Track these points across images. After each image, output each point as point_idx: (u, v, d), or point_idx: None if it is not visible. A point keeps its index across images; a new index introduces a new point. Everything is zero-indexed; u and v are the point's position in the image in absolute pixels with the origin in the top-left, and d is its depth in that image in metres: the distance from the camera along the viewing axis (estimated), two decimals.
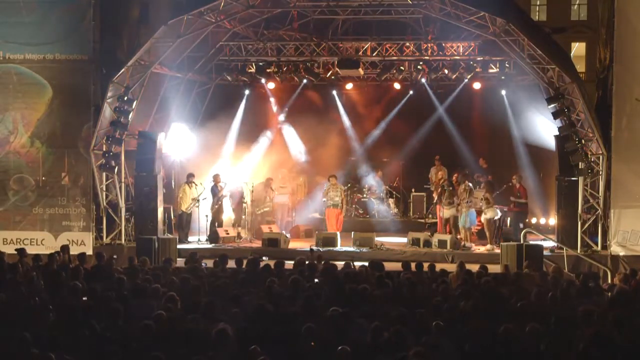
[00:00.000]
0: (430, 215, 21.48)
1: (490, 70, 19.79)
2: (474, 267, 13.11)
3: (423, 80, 20.67)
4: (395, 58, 19.59)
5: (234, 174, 20.47)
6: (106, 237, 18.22)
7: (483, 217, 18.40)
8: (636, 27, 17.07)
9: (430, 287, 11.70)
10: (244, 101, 22.08)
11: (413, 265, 13.56)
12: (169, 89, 20.01)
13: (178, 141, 20.33)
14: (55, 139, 18.03)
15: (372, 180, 22.59)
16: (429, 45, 19.35)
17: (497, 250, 17.44)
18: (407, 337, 8.36)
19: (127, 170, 18.56)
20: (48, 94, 17.97)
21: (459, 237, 18.48)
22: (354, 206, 21.90)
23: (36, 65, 17.92)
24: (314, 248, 16.65)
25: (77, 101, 17.99)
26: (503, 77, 19.97)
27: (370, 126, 23.09)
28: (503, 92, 21.20)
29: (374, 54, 19.61)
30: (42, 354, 7.36)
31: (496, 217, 18.48)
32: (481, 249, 18.21)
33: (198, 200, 19.41)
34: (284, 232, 19.40)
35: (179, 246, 17.66)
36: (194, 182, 19.43)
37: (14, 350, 7.57)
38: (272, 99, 22.44)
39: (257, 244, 18.85)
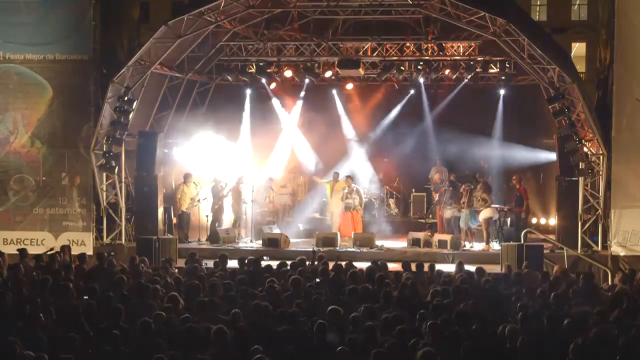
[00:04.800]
0: (430, 215, 21.48)
1: (490, 70, 19.77)
2: (474, 268, 13.11)
3: (421, 80, 20.64)
4: (395, 58, 19.57)
5: (235, 173, 20.40)
6: (106, 237, 18.23)
7: (481, 217, 18.40)
8: (636, 27, 17.06)
9: (430, 287, 11.71)
10: (247, 101, 21.99)
11: (413, 265, 13.56)
12: (169, 89, 20.01)
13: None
14: (55, 139, 18.02)
15: (372, 181, 22.58)
16: (429, 45, 19.33)
17: (495, 251, 17.49)
18: (407, 338, 8.37)
19: (127, 170, 18.57)
20: (48, 94, 17.97)
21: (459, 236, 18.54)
22: None
23: (36, 65, 17.91)
24: (316, 249, 16.59)
25: (78, 101, 17.99)
26: (503, 77, 19.95)
27: (370, 126, 23.06)
28: (503, 92, 21.17)
29: (374, 54, 19.60)
30: (38, 356, 7.35)
31: (494, 218, 18.48)
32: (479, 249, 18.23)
33: (199, 200, 19.44)
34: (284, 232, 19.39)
35: (178, 246, 17.69)
36: (193, 182, 19.49)
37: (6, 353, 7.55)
38: (272, 99, 22.40)
39: (258, 244, 18.84)
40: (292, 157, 22.54)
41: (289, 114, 22.54)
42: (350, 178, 19.76)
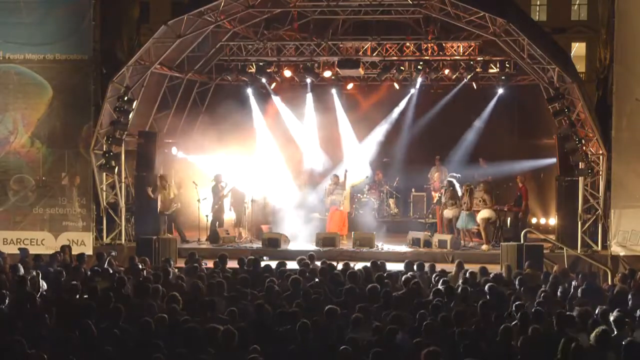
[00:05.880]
0: (430, 215, 21.47)
1: (490, 70, 19.77)
2: (474, 268, 13.10)
3: (419, 80, 20.63)
4: (395, 58, 19.56)
5: (237, 174, 20.39)
6: (106, 237, 18.22)
7: (479, 217, 18.39)
8: (636, 27, 17.06)
9: (430, 287, 11.73)
10: (253, 102, 21.93)
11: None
12: (169, 89, 20.01)
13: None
14: (55, 139, 18.02)
15: (372, 180, 22.57)
16: (429, 45, 19.31)
17: (495, 250, 17.47)
18: (406, 338, 8.38)
19: (127, 170, 18.58)
20: (48, 94, 17.97)
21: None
22: (354, 206, 21.89)
23: (36, 65, 17.91)
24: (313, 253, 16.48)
25: (77, 101, 17.99)
26: (503, 77, 19.96)
27: (370, 126, 23.03)
28: (503, 92, 21.14)
29: (374, 54, 19.58)
30: (38, 354, 7.35)
31: (492, 219, 18.45)
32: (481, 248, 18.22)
33: (198, 200, 19.45)
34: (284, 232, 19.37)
35: (179, 246, 17.71)
36: (193, 182, 19.71)
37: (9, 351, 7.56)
38: (272, 99, 22.35)
39: (258, 244, 18.84)
40: (290, 156, 22.42)
41: (288, 114, 22.46)
42: (336, 176, 19.81)
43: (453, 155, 22.27)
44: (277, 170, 21.33)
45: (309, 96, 22.05)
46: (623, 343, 7.93)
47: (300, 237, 19.08)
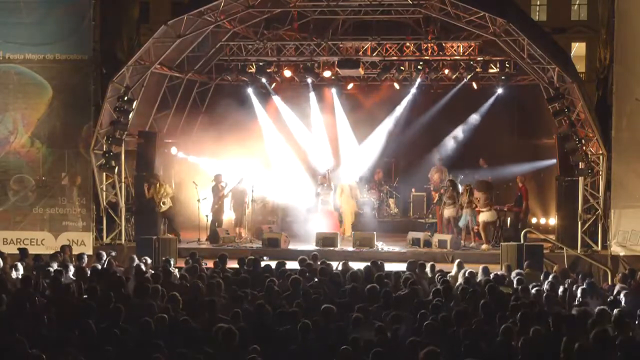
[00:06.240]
0: (430, 215, 21.46)
1: (490, 70, 19.78)
2: (473, 268, 13.09)
3: (418, 80, 20.64)
4: (395, 58, 19.58)
5: (237, 173, 20.37)
6: (106, 237, 18.22)
7: (481, 220, 18.36)
8: (636, 27, 17.06)
9: (430, 287, 11.73)
10: (253, 102, 21.91)
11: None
12: (169, 89, 20.01)
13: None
14: (55, 139, 18.02)
15: (371, 180, 22.57)
16: (429, 45, 19.33)
17: (495, 250, 17.45)
18: (406, 338, 8.38)
19: (127, 170, 18.58)
20: (48, 94, 17.97)
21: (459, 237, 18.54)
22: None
23: (36, 65, 17.91)
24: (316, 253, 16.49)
25: (77, 101, 18.00)
26: (503, 77, 19.96)
27: (370, 126, 23.03)
28: (503, 92, 21.15)
29: (374, 54, 19.59)
30: (38, 354, 7.36)
31: (493, 221, 18.43)
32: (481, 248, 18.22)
33: (199, 201, 19.45)
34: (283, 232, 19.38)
35: (179, 246, 17.71)
36: (193, 182, 19.69)
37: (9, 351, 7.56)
38: (272, 99, 22.36)
39: (258, 244, 18.84)
40: (289, 156, 22.38)
41: (287, 114, 22.45)
42: (323, 177, 19.78)
43: (452, 155, 22.30)
44: (281, 169, 21.36)
45: (312, 95, 22.04)
46: (622, 343, 7.93)
47: (300, 237, 19.08)
